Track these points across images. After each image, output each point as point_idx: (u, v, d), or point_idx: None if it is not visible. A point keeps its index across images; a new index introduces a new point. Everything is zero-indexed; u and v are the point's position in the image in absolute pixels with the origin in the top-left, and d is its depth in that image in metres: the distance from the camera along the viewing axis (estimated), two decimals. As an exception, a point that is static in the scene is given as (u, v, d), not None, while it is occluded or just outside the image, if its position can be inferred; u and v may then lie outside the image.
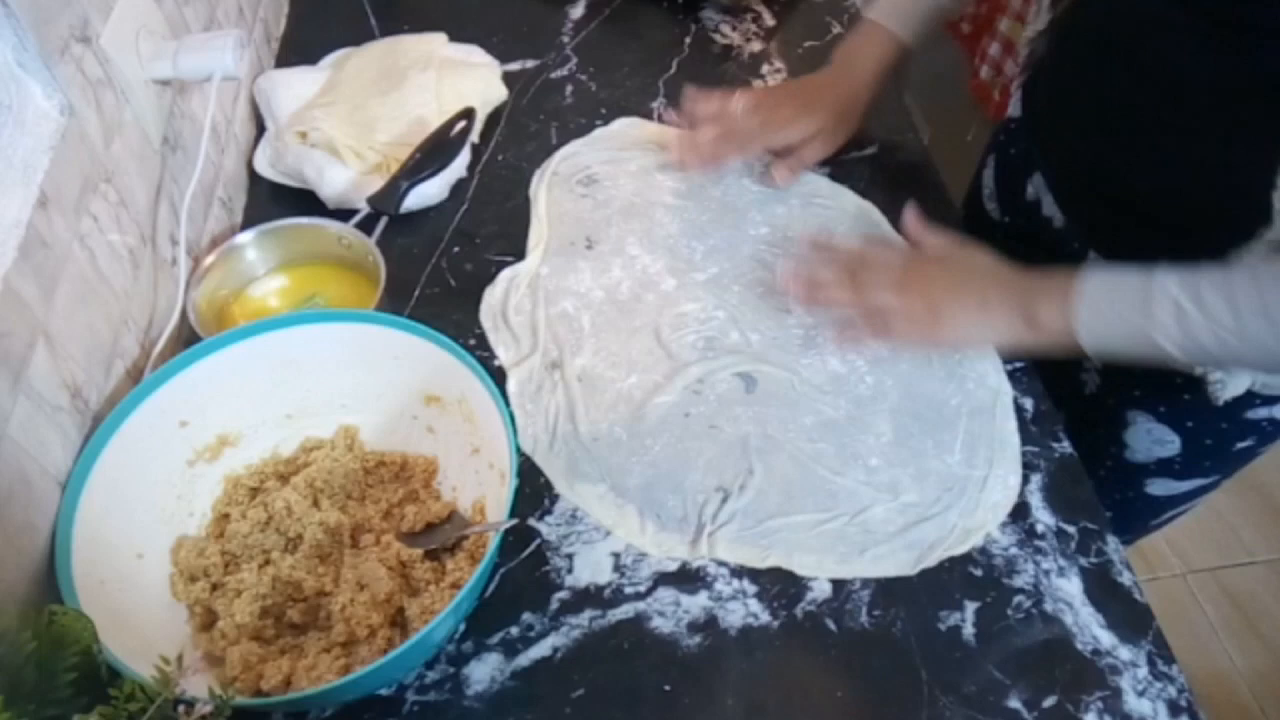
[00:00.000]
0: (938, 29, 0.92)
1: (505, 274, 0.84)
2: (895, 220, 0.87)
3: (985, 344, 0.77)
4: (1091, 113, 0.77)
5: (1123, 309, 0.66)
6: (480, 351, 0.79)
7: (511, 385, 0.77)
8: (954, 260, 0.76)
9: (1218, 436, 0.82)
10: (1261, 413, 0.79)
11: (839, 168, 0.95)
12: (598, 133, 0.98)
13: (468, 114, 0.90)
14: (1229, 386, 0.75)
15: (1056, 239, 0.84)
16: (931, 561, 0.68)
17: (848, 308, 0.76)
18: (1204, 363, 0.67)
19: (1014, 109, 0.94)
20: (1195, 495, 0.92)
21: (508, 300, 0.82)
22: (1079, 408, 0.88)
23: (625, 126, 0.99)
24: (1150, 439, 0.85)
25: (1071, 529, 0.70)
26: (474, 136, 0.94)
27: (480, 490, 0.67)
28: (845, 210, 0.91)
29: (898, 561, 0.68)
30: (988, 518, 0.70)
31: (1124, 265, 0.66)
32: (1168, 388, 0.79)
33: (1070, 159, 0.82)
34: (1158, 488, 0.90)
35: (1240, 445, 0.83)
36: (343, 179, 0.88)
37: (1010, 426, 0.76)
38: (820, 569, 0.67)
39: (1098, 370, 0.88)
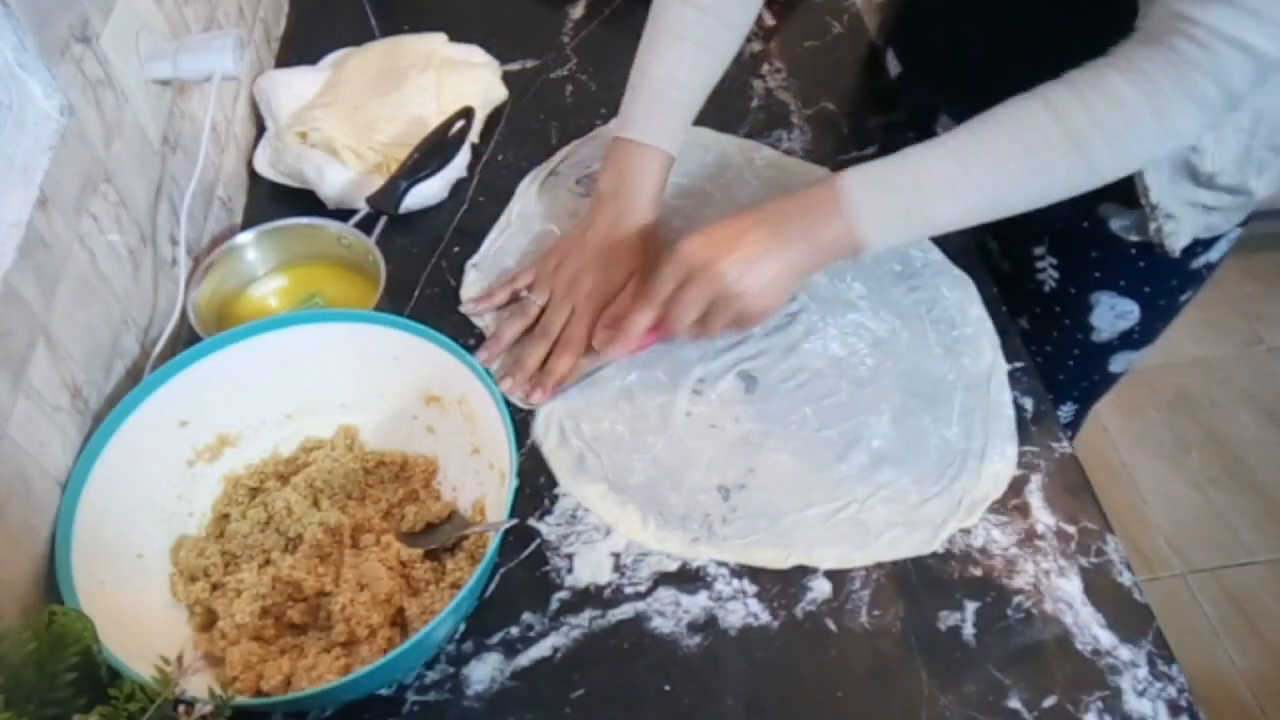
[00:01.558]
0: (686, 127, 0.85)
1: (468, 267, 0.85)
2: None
3: (793, 281, 0.72)
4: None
5: (900, 203, 0.67)
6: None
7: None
8: (729, 227, 0.71)
9: (1169, 295, 0.90)
10: (1201, 260, 0.86)
11: (838, 168, 0.95)
12: (596, 132, 0.97)
13: (467, 114, 0.90)
14: (1180, 235, 0.80)
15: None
16: (945, 535, 0.68)
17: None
18: (979, 221, 0.69)
19: (893, 67, 1.01)
20: (1146, 356, 0.99)
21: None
22: (1042, 306, 0.95)
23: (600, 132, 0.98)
24: (1114, 314, 0.91)
25: (1071, 529, 0.70)
26: (474, 136, 0.94)
27: (480, 490, 0.67)
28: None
29: (914, 542, 0.68)
30: (990, 489, 0.71)
31: (874, 162, 0.69)
32: (1124, 259, 0.86)
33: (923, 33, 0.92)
34: (1118, 363, 0.98)
35: (1183, 298, 0.91)
36: (342, 179, 0.88)
37: (1005, 399, 0.77)
38: (844, 560, 0.67)
39: (1054, 266, 0.92)
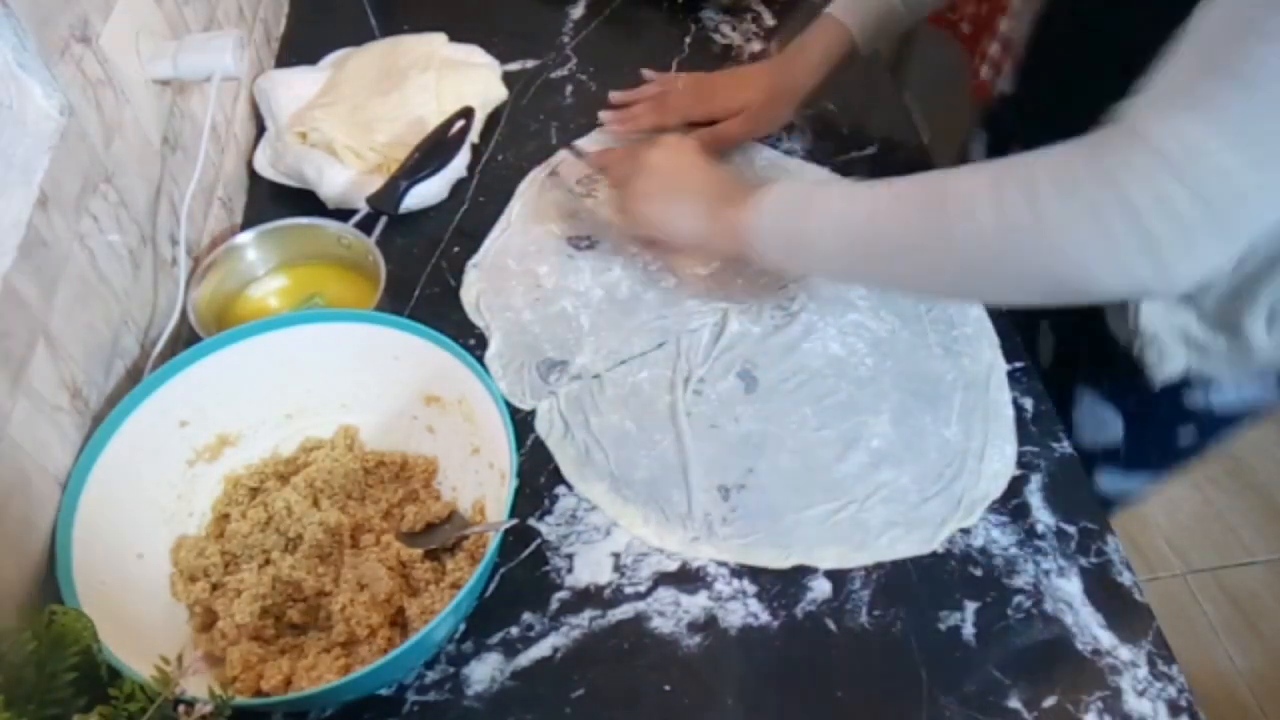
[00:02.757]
0: (890, 37, 0.92)
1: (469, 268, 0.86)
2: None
3: (683, 232, 0.76)
4: (1069, 89, 0.76)
5: (791, 219, 0.68)
6: (480, 351, 0.79)
7: (492, 349, 0.80)
8: (659, 158, 0.78)
9: (1159, 425, 0.81)
10: (1199, 400, 0.77)
11: (839, 168, 0.95)
12: (597, 132, 0.98)
13: (466, 113, 0.90)
14: (1164, 364, 0.74)
15: None
16: (945, 535, 0.68)
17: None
18: (851, 280, 0.73)
19: (1004, 85, 0.94)
20: (1142, 491, 0.91)
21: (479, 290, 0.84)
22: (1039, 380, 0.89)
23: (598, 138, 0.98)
24: (1095, 420, 0.84)
25: (1071, 529, 0.70)
26: (474, 136, 0.94)
27: (480, 490, 0.67)
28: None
29: (913, 541, 0.68)
30: (990, 488, 0.71)
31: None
32: (1111, 359, 0.79)
33: (1049, 133, 0.81)
34: (1107, 483, 0.88)
35: (1184, 439, 0.81)
36: (342, 179, 0.87)
37: (1004, 398, 0.77)
38: (843, 560, 0.67)
39: (1051, 342, 0.88)
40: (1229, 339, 0.70)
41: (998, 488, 0.72)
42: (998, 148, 0.93)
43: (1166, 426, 0.81)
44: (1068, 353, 0.85)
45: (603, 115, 0.95)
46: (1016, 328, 0.81)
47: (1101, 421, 0.83)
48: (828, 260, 0.69)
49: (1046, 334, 0.88)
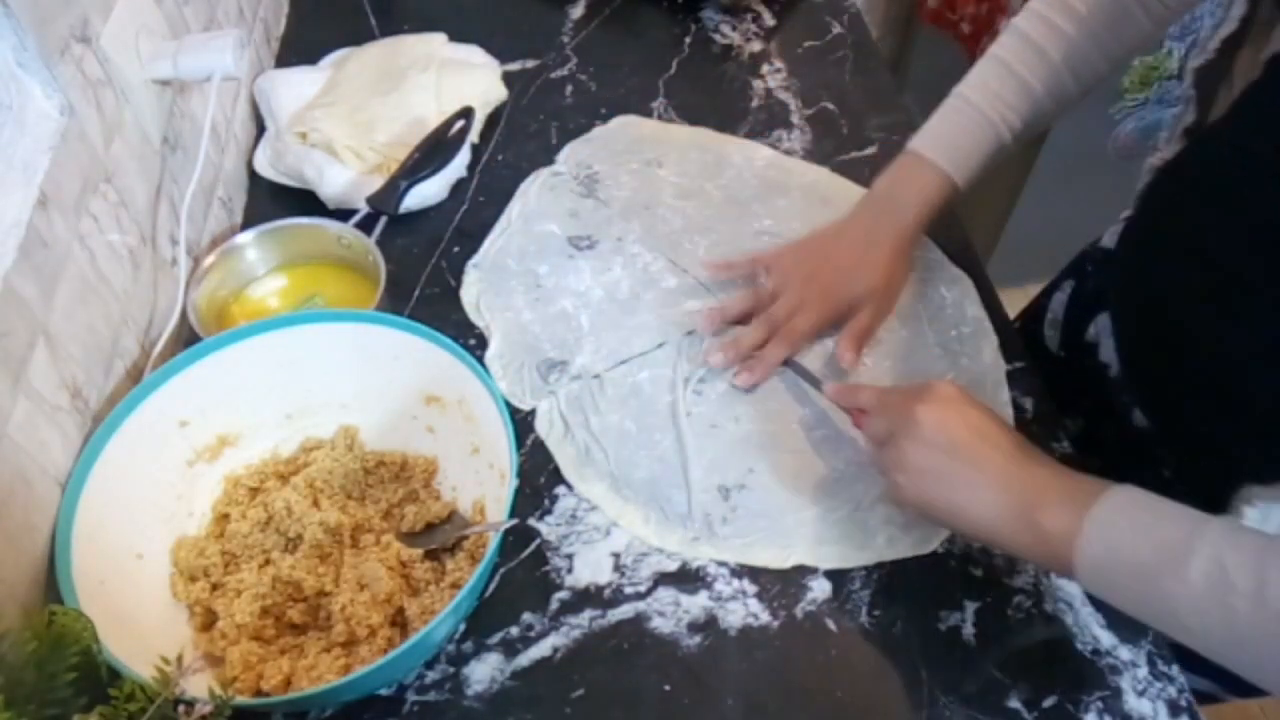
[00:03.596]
0: (992, 170, 0.79)
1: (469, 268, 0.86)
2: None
3: (973, 525, 0.60)
4: (1181, 261, 0.67)
5: (1146, 551, 0.51)
6: (480, 351, 0.79)
7: (492, 349, 0.79)
8: (940, 438, 0.60)
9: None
10: None
11: (838, 168, 0.95)
12: (596, 132, 0.98)
13: (466, 113, 0.90)
14: None
15: (1108, 389, 0.77)
16: (944, 535, 0.68)
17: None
18: (1201, 647, 0.50)
19: (1109, 240, 0.84)
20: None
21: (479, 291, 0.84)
22: None
23: (623, 125, 0.99)
24: None
25: (1071, 529, 0.70)
26: (474, 136, 0.94)
27: (480, 490, 0.67)
28: (848, 200, 0.91)
29: (913, 541, 0.68)
30: None
31: (1153, 491, 0.53)
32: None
33: (1147, 306, 0.72)
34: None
35: None
36: (343, 179, 0.88)
37: (1004, 398, 0.76)
38: (843, 560, 0.67)
39: None
40: None
41: None
42: (1082, 300, 0.85)
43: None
44: None
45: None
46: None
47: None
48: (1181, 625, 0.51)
49: None
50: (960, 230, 0.89)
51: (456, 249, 0.87)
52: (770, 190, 0.92)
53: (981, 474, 0.59)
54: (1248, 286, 0.61)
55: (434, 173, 0.87)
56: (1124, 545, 0.52)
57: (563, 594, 0.66)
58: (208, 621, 0.63)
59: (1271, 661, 0.47)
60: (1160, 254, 0.70)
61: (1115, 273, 0.79)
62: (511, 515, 0.61)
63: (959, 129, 0.78)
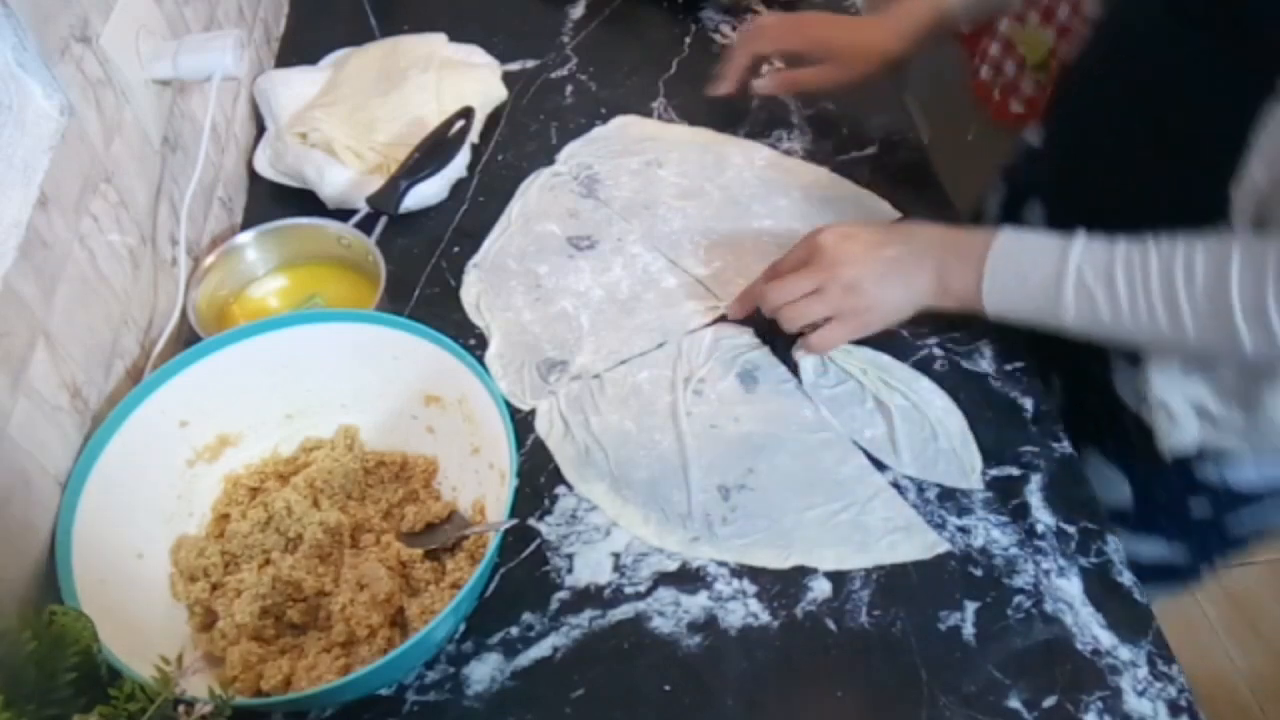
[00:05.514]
0: (987, 12, 0.91)
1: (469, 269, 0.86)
2: (897, 210, 0.90)
3: (909, 311, 0.73)
4: (1095, 150, 0.76)
5: (1031, 287, 0.66)
6: (480, 351, 0.79)
7: (492, 349, 0.79)
8: (874, 233, 0.73)
9: (1169, 492, 0.78)
10: (1212, 474, 0.74)
11: (838, 168, 0.95)
12: (596, 132, 0.98)
13: (466, 113, 0.90)
14: (1174, 434, 0.71)
15: None
16: (944, 546, 0.68)
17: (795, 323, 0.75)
18: (1097, 337, 0.66)
19: (1032, 138, 0.91)
20: (1168, 577, 0.85)
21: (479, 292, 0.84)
22: None
23: (623, 125, 0.99)
24: (1100, 480, 0.78)
25: (1071, 529, 0.70)
26: (474, 136, 0.94)
27: (480, 490, 0.67)
28: (846, 200, 0.92)
29: (914, 544, 0.68)
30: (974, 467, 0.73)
31: (1033, 232, 0.67)
32: (1116, 425, 0.77)
33: (1070, 194, 0.80)
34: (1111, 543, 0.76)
35: (1197, 511, 0.78)
36: (343, 179, 0.88)
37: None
38: (843, 561, 0.67)
39: (1063, 392, 0.84)
40: (1246, 414, 0.68)
41: (976, 466, 0.72)
42: (1016, 200, 0.91)
43: (1176, 495, 0.78)
44: (1076, 409, 0.81)
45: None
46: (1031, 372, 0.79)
47: (1109, 482, 0.81)
48: (1068, 328, 0.66)
49: (1057, 390, 0.84)
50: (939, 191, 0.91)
51: (456, 249, 0.87)
52: (770, 190, 0.92)
53: (896, 262, 0.71)
54: (1153, 167, 0.69)
55: (434, 173, 0.87)
56: (1013, 290, 0.67)
57: (563, 594, 0.66)
58: (208, 621, 0.63)
59: (1116, 322, 0.63)
60: (1077, 144, 0.79)
61: (1043, 166, 0.87)
62: (511, 515, 0.61)
63: None
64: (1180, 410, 0.70)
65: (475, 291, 0.84)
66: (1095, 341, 0.66)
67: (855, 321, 0.73)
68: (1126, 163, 0.73)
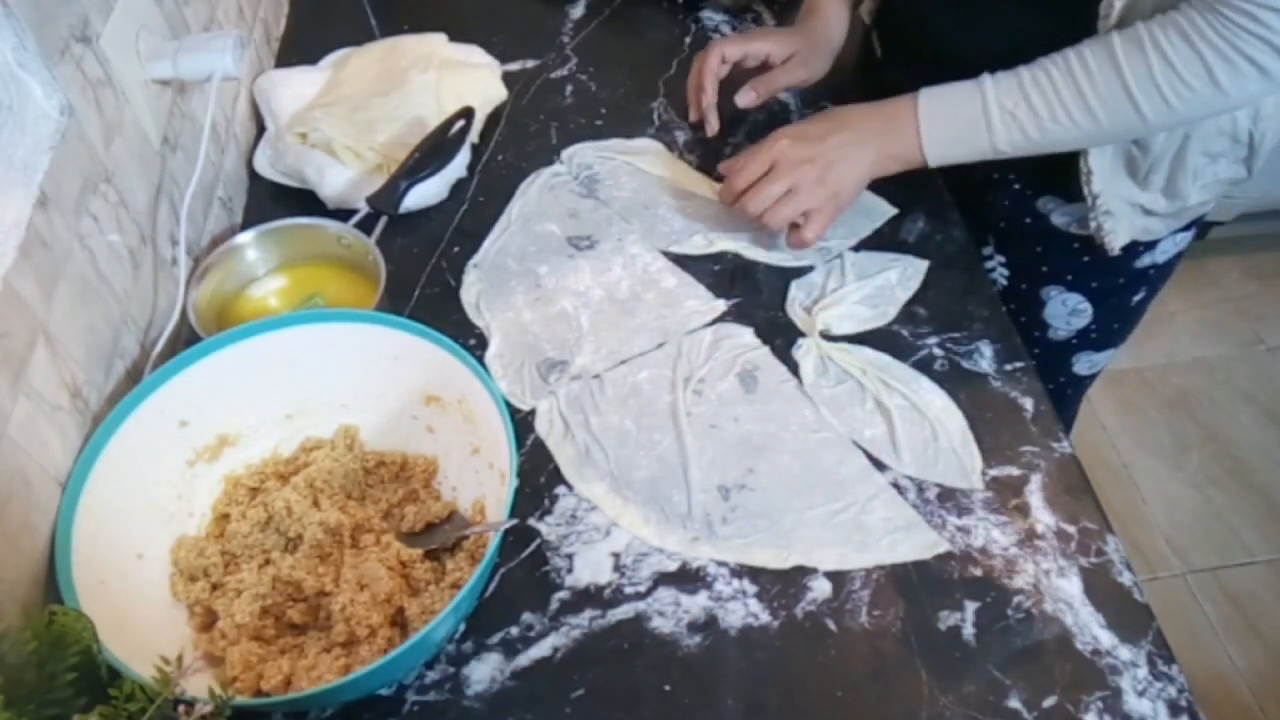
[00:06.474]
0: None
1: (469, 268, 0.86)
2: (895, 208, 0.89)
3: (866, 183, 0.83)
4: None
5: (964, 130, 0.76)
6: (480, 351, 0.79)
7: (492, 349, 0.80)
8: (819, 127, 0.82)
9: (1119, 293, 0.95)
10: (1146, 260, 0.91)
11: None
12: (614, 143, 0.97)
13: (466, 113, 0.90)
14: (1118, 234, 0.85)
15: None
16: (944, 546, 0.68)
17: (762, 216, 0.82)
18: (1030, 153, 0.76)
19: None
20: (1108, 361, 1.05)
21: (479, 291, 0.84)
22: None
23: (647, 146, 0.97)
24: (1066, 310, 0.96)
25: (1071, 529, 0.70)
26: (474, 136, 0.94)
27: (480, 490, 0.67)
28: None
29: (913, 544, 0.68)
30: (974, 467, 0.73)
31: (948, 85, 0.77)
32: (1068, 253, 0.91)
33: (907, 24, 0.96)
34: (1081, 364, 1.03)
35: (1136, 299, 0.96)
36: (343, 179, 0.88)
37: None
38: (843, 561, 0.67)
39: (1003, 264, 0.97)
40: (1169, 200, 0.84)
41: (976, 465, 0.72)
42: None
43: (1125, 292, 0.95)
44: (1021, 267, 0.96)
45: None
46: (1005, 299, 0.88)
47: (1074, 310, 0.96)
48: (1006, 152, 0.76)
49: (996, 261, 0.98)
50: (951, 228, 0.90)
51: (456, 249, 0.87)
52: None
53: (846, 145, 0.80)
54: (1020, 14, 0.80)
55: (434, 173, 0.87)
56: (947, 136, 0.78)
57: (563, 594, 0.66)
58: (208, 621, 0.63)
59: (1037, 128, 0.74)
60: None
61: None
62: (511, 515, 0.61)
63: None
64: (1118, 207, 0.84)
65: (475, 291, 0.84)
66: (1027, 166, 0.79)
67: (830, 207, 0.81)
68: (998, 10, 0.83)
